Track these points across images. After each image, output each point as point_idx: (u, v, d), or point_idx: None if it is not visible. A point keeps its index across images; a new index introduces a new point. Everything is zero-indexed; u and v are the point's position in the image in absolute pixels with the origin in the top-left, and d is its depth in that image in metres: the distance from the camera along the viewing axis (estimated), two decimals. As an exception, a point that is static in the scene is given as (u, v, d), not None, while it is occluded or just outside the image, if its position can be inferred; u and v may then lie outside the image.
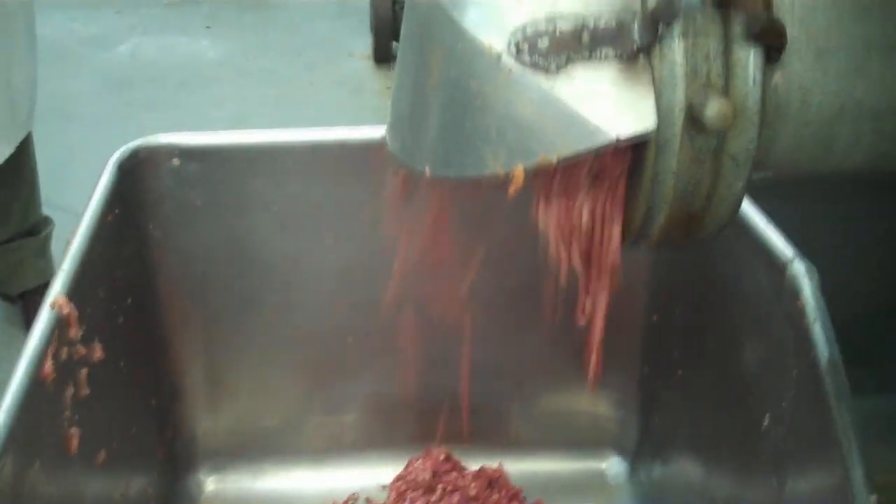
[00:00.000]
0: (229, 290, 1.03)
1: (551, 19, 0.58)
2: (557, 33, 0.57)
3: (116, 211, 0.89)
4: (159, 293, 1.01)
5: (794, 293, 0.73)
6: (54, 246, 1.64)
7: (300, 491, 1.12)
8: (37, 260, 1.82)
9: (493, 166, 0.60)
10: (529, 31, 0.58)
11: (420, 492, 1.00)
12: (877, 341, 1.11)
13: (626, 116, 0.57)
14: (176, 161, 0.95)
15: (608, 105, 0.57)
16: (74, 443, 0.78)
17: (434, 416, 1.11)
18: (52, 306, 0.76)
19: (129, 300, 0.94)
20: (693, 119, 0.57)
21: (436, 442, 1.11)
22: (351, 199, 0.98)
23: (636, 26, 0.57)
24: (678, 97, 0.56)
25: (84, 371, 0.81)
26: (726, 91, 0.57)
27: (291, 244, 1.00)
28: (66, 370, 0.77)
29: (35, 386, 0.71)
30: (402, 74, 0.68)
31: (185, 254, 1.00)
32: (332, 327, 1.05)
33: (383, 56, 1.76)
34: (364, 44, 1.84)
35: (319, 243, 1.00)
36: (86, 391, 0.81)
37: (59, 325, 0.76)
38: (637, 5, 0.58)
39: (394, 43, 1.78)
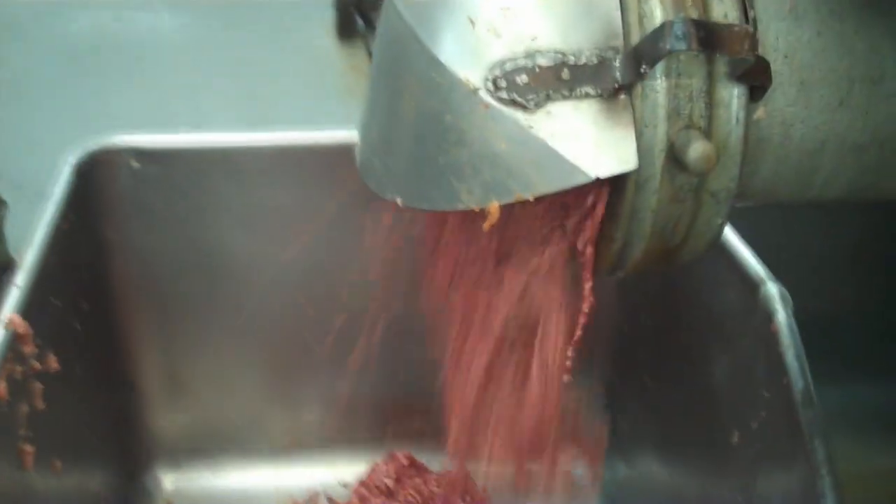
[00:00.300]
0: (188, 292, 1.00)
1: (530, 55, 0.56)
2: (536, 69, 0.56)
3: (72, 217, 0.86)
4: (116, 296, 0.98)
5: (767, 316, 0.73)
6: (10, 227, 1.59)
7: (260, 488, 1.11)
8: None
9: (467, 201, 0.58)
10: (508, 66, 0.56)
11: (382, 498, 0.99)
12: (840, 334, 1.11)
13: (607, 156, 0.55)
14: (135, 163, 0.92)
15: (588, 144, 0.55)
16: (30, 459, 0.76)
17: (398, 415, 1.10)
18: (7, 326, 0.73)
19: (85, 305, 0.91)
20: (674, 159, 0.55)
21: (399, 443, 1.10)
22: (316, 202, 0.96)
23: (618, 64, 0.55)
24: (659, 137, 0.55)
25: (39, 386, 0.78)
26: (709, 131, 0.56)
27: (254, 247, 0.98)
28: (20, 388, 0.74)
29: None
30: (373, 97, 0.65)
31: (143, 256, 0.97)
32: (294, 329, 1.04)
33: (347, 32, 1.72)
34: (327, 18, 1.80)
35: (282, 246, 0.98)
36: (41, 405, 0.79)
37: (13, 345, 0.73)
38: (619, 42, 0.56)
39: (358, 19, 1.74)
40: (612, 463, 1.08)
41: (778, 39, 0.58)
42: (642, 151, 0.55)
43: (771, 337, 0.71)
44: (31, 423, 0.77)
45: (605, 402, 1.08)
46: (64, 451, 0.86)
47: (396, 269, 1.00)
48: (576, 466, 1.13)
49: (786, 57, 0.59)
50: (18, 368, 0.74)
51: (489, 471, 1.09)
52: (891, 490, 1.04)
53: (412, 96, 0.60)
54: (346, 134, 0.92)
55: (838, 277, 1.11)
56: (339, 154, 0.93)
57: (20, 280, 0.76)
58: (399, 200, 0.62)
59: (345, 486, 1.09)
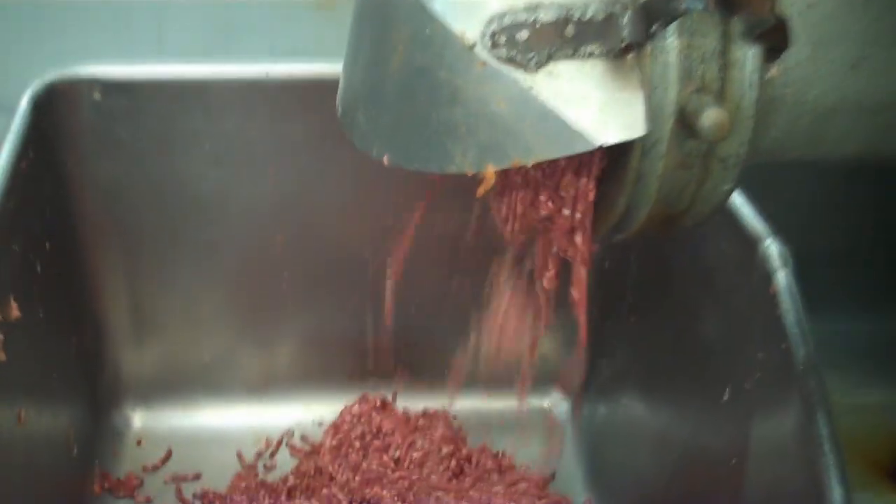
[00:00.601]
0: (155, 226, 0.96)
1: (532, 8, 0.51)
2: (538, 25, 0.51)
3: (31, 155, 0.81)
4: (80, 234, 0.94)
5: (765, 275, 0.70)
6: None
7: (233, 426, 1.08)
8: None
9: (461, 164, 0.54)
10: (507, 20, 0.51)
11: (357, 442, 0.97)
12: (829, 269, 1.09)
13: (613, 121, 0.51)
14: (97, 95, 0.86)
15: (592, 108, 0.51)
16: (-12, 416, 0.73)
17: (372, 352, 1.07)
18: (-37, 282, 0.69)
19: (47, 245, 0.87)
20: (684, 124, 0.51)
21: (375, 382, 1.07)
22: (287, 135, 0.91)
23: (626, 20, 0.51)
24: (669, 101, 0.51)
25: (0, 337, 0.74)
26: (721, 93, 0.52)
27: (224, 180, 0.94)
28: (-21, 345, 0.71)
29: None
30: (356, 45, 0.61)
31: (108, 192, 0.93)
32: (267, 264, 1.00)
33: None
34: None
35: (254, 179, 0.94)
36: (1, 357, 0.75)
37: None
38: (627, -6, 0.51)
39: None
40: (591, 403, 1.07)
41: (795, -7, 0.54)
42: (650, 114, 0.51)
43: (769, 298, 0.68)
44: (-7, 377, 0.73)
45: (588, 342, 1.06)
46: (28, 399, 0.83)
47: (372, 203, 0.96)
48: (555, 405, 1.11)
49: (801, 13, 0.55)
50: (-23, 325, 0.70)
51: (462, 406, 1.08)
52: (877, 422, 1.04)
53: (401, 48, 0.55)
54: (320, 67, 0.88)
55: (828, 213, 1.09)
56: (311, 86, 0.89)
57: (-24, 229, 0.72)
58: (385, 159, 0.58)
59: (320, 424, 1.07)
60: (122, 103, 0.88)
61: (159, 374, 1.07)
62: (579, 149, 0.52)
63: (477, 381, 1.08)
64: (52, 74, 0.86)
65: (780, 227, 0.74)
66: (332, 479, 0.94)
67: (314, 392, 1.08)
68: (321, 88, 0.84)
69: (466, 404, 1.09)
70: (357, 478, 0.91)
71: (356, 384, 1.08)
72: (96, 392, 1.04)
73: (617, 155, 0.54)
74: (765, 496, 0.72)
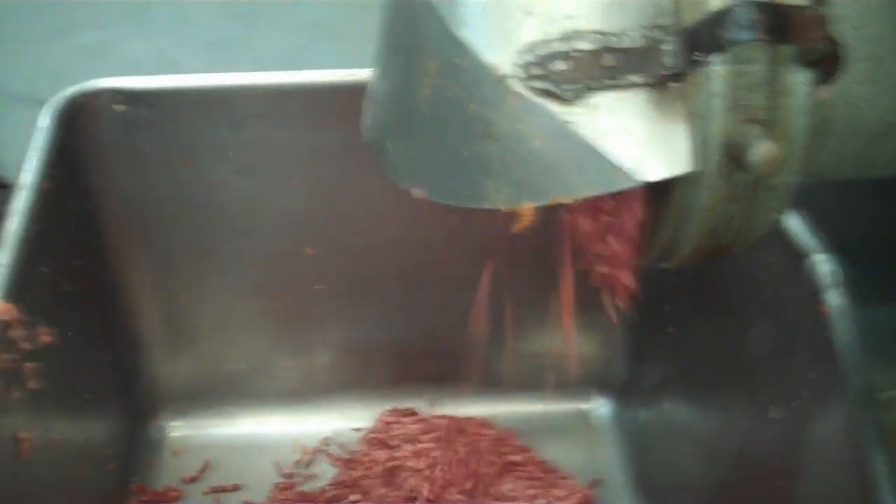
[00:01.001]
0: (184, 238, 0.94)
1: (568, 37, 0.48)
2: (575, 55, 0.48)
3: (54, 172, 0.79)
4: (109, 248, 0.92)
5: (815, 293, 0.67)
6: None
7: (269, 435, 1.07)
8: None
9: (495, 200, 0.52)
10: (541, 50, 0.48)
11: (393, 452, 0.94)
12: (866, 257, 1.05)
13: (656, 156, 0.49)
14: (120, 106, 0.84)
15: (635, 142, 0.49)
16: (26, 446, 0.71)
17: (412, 360, 1.05)
18: (-6, 315, 0.67)
19: (75, 262, 0.85)
20: (732, 156, 0.48)
21: (413, 389, 1.05)
22: (318, 143, 0.89)
23: (668, 48, 0.48)
24: (715, 133, 0.48)
25: (30, 366, 0.73)
26: (771, 123, 0.49)
27: (251, 190, 0.91)
28: (10, 376, 0.69)
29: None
30: (382, 70, 0.58)
31: (135, 204, 0.91)
32: (298, 273, 0.98)
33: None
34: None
35: (283, 189, 0.91)
36: (34, 385, 0.73)
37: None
38: (667, 20, 0.48)
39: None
40: (634, 409, 1.04)
41: (847, 7, 0.51)
42: (696, 148, 0.49)
43: (820, 317, 0.65)
44: (25, 407, 0.72)
45: (625, 343, 1.03)
46: (62, 420, 0.82)
47: (405, 211, 0.94)
48: (595, 408, 1.09)
49: (855, 29, 0.51)
50: (6, 357, 0.68)
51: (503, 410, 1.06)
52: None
53: (430, 78, 0.52)
54: (348, 73, 0.85)
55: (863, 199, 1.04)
56: (339, 93, 0.87)
57: (3, 258, 0.70)
58: (416, 192, 0.56)
59: (357, 431, 1.05)
60: (146, 114, 0.85)
61: (194, 384, 1.05)
62: (621, 186, 0.49)
63: (515, 386, 1.07)
64: (74, 87, 0.83)
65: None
66: (366, 493, 0.92)
67: (351, 399, 1.06)
68: (350, 95, 0.80)
69: (506, 409, 1.07)
70: (393, 493, 0.89)
71: (393, 391, 1.06)
72: (132, 405, 1.03)
73: (660, 187, 0.51)
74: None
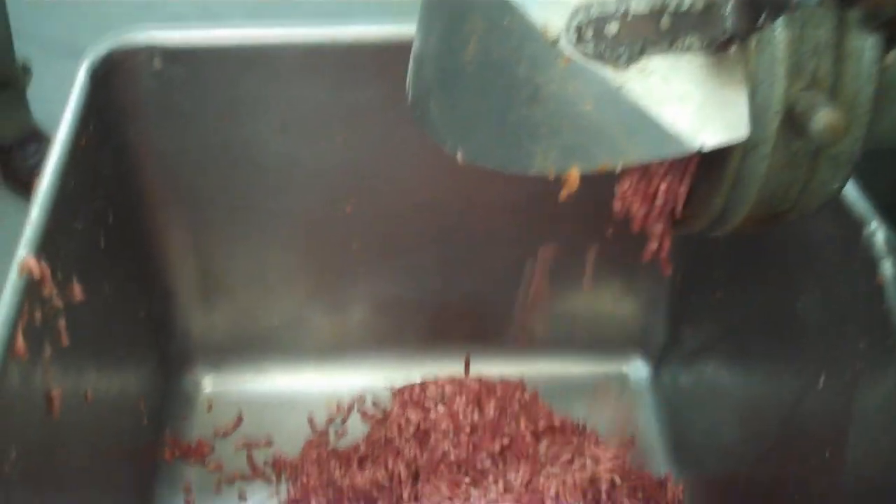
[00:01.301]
0: (221, 194, 0.93)
1: (622, -1, 0.46)
2: (629, 17, 0.46)
3: (90, 129, 0.78)
4: (143, 204, 0.92)
5: (870, 263, 0.64)
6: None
7: (304, 391, 1.06)
8: (11, 112, 1.67)
9: (542, 166, 0.50)
10: (594, 12, 0.46)
11: (426, 413, 0.93)
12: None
13: (712, 122, 0.47)
14: (158, 63, 0.83)
15: (690, 107, 0.47)
16: (57, 404, 0.71)
17: (449, 319, 1.04)
18: (21, 272, 0.66)
19: (111, 218, 0.85)
20: (792, 123, 0.46)
21: (449, 347, 1.04)
22: (358, 100, 0.87)
23: (729, 10, 0.46)
24: (776, 98, 0.46)
25: (62, 322, 0.72)
26: (835, 89, 0.46)
27: (291, 147, 0.90)
28: (41, 334, 0.68)
29: (5, 370, 0.62)
30: (426, 29, 0.56)
31: (170, 161, 0.89)
32: (336, 230, 0.96)
33: None
34: None
35: (321, 146, 0.90)
36: (66, 342, 0.73)
37: (30, 292, 0.66)
38: (730, -19, 0.46)
39: None
40: (673, 372, 1.02)
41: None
42: (754, 114, 0.46)
43: (875, 287, 0.63)
44: (56, 363, 0.71)
45: (668, 305, 1.01)
46: (96, 374, 0.81)
47: (443, 170, 0.92)
48: (633, 371, 1.07)
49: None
50: (38, 315, 0.67)
51: (539, 371, 1.05)
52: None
53: (476, 39, 0.51)
54: (389, 29, 0.83)
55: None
56: (380, 49, 0.85)
57: (34, 214, 0.69)
58: (460, 155, 0.54)
59: (391, 389, 1.04)
60: (183, 71, 0.84)
61: (229, 338, 1.05)
62: (675, 153, 0.47)
63: (551, 346, 1.05)
64: (109, 43, 0.82)
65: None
66: (398, 453, 0.91)
67: (385, 356, 1.05)
68: (391, 51, 0.79)
69: (541, 370, 1.06)
70: (425, 455, 0.88)
71: (427, 350, 1.05)
72: (166, 358, 1.03)
73: (714, 154, 0.49)
74: (865, 486, 0.68)
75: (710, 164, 0.51)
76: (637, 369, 1.07)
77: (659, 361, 1.05)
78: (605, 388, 1.06)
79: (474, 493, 0.83)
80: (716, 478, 0.92)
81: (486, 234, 0.97)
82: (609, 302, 1.03)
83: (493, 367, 1.04)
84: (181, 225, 0.95)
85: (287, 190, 0.93)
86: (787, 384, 0.78)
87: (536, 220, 0.95)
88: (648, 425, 1.02)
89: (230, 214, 0.95)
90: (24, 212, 0.69)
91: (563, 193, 0.50)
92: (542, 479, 0.82)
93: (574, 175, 0.49)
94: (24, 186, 1.61)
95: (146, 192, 0.91)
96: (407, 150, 0.89)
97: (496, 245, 0.98)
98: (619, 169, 0.48)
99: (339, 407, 1.04)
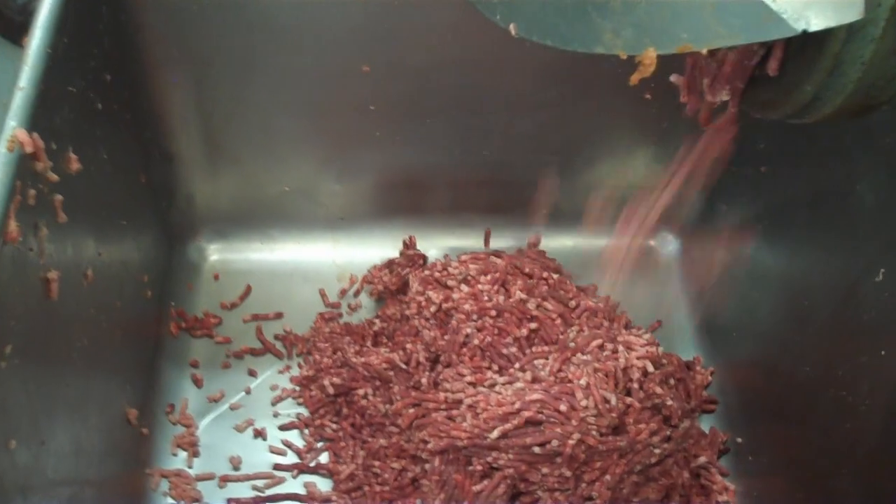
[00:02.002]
0: (226, 51, 0.85)
1: None
2: None
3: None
4: (142, 62, 0.84)
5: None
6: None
7: (315, 262, 1.01)
8: None
9: (612, 45, 0.43)
10: None
11: (441, 290, 0.88)
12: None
13: (819, 3, 0.39)
14: None
15: (795, -19, 0.39)
16: (54, 287, 0.65)
17: (463, 187, 0.98)
18: (11, 146, 0.59)
19: (107, 77, 0.77)
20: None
21: (468, 216, 0.99)
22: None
23: None
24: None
25: (58, 198, 0.66)
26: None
27: (303, 2, 0.82)
28: (36, 212, 0.62)
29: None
30: None
31: (172, 15, 0.81)
32: (351, 93, 0.89)
33: None
34: None
35: (338, 2, 0.82)
36: (63, 218, 0.67)
37: (22, 168, 0.60)
38: None
39: None
40: (705, 249, 0.97)
41: None
42: (868, -5, 0.40)
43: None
44: (52, 243, 0.65)
45: (705, 180, 0.95)
46: (95, 258, 0.75)
47: (467, 28, 0.85)
48: (663, 245, 1.02)
49: None
50: (32, 192, 0.61)
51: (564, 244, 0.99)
52: None
53: None
54: None
55: None
56: None
57: (24, 80, 0.62)
58: (513, 28, 0.47)
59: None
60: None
61: (235, 206, 0.99)
62: (773, 34, 0.40)
63: (575, 218, 1.00)
64: None
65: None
66: (417, 333, 0.86)
67: (401, 227, 1.00)
68: None
69: (565, 243, 1.01)
70: (446, 338, 0.83)
71: (447, 220, 1.00)
72: (169, 227, 0.97)
73: (810, 38, 0.42)
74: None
75: (804, 45, 0.44)
76: (666, 243, 1.02)
77: (690, 236, 1.00)
78: (634, 264, 1.00)
79: (499, 380, 0.78)
80: (749, 364, 0.88)
81: (514, 97, 0.90)
82: (639, 171, 0.97)
83: (515, 241, 0.98)
84: (184, 85, 0.88)
85: (299, 47, 0.85)
86: (840, 273, 0.72)
87: (570, 80, 0.88)
88: (676, 304, 0.98)
89: (237, 73, 0.87)
90: (11, 57, 0.62)
91: (635, 77, 0.44)
92: (572, 369, 0.77)
93: (651, 57, 0.42)
94: (11, 28, 1.52)
95: (146, 48, 0.83)
96: (429, 5, 0.81)
97: (524, 110, 0.91)
98: (704, 51, 0.41)
99: (352, 279, 0.99)
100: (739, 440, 0.86)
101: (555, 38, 0.45)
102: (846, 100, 0.44)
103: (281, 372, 0.93)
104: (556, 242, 1.00)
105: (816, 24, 0.39)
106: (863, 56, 0.42)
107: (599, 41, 0.43)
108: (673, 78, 0.54)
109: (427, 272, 0.90)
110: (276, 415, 0.90)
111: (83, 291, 0.73)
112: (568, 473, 0.75)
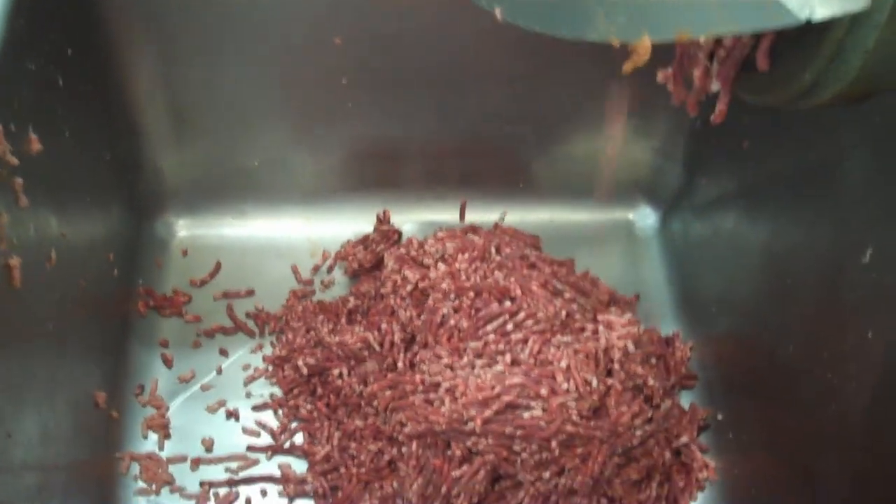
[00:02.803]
0: (193, 22, 0.82)
1: None
2: None
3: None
4: (105, 33, 0.81)
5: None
6: None
7: (285, 237, 0.99)
8: None
9: (605, 32, 0.41)
10: None
11: (417, 269, 0.85)
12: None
13: (826, -12, 0.38)
14: None
15: (798, -31, 0.37)
16: (17, 273, 0.63)
17: (438, 160, 0.96)
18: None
19: (69, 52, 0.75)
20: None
21: (445, 188, 0.97)
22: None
23: None
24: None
25: (19, 181, 0.63)
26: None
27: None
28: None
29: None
30: None
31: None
32: (323, 64, 0.87)
33: None
34: None
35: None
36: (24, 202, 0.64)
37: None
38: None
39: None
40: (684, 222, 0.96)
41: None
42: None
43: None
44: (14, 229, 0.63)
45: (684, 151, 0.93)
46: (59, 240, 0.73)
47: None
48: (640, 218, 1.00)
49: None
50: (-10, 180, 0.58)
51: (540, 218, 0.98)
52: None
53: None
54: None
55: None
56: None
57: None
58: (498, 13, 0.45)
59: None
60: None
61: (205, 180, 0.96)
62: (778, 23, 0.38)
63: (553, 191, 0.98)
64: None
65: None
66: (392, 312, 0.84)
67: (375, 201, 0.98)
68: None
69: (541, 216, 0.99)
70: (422, 318, 0.81)
71: (421, 193, 0.98)
72: (136, 202, 0.95)
73: (810, 24, 0.40)
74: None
75: (803, 32, 0.42)
76: (644, 217, 1.00)
77: (670, 210, 0.98)
78: (612, 238, 0.99)
79: (478, 363, 0.76)
80: (729, 340, 0.87)
81: (489, 68, 0.88)
82: (619, 143, 0.95)
83: (491, 215, 0.96)
84: (148, 56, 0.85)
85: (269, 18, 0.83)
86: (825, 252, 0.71)
87: (545, 51, 0.86)
88: (655, 278, 0.96)
89: (204, 44, 0.85)
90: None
91: (628, 66, 0.42)
92: (552, 350, 0.75)
93: (645, 45, 0.40)
94: None
95: (108, 19, 0.80)
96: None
97: (499, 81, 0.89)
98: (702, 40, 0.39)
99: (325, 254, 0.97)
100: (720, 416, 0.85)
101: (543, 22, 0.43)
102: (848, 86, 0.43)
103: (253, 351, 0.91)
104: (533, 216, 0.98)
105: (822, 13, 0.37)
106: (867, 44, 0.40)
107: (591, 26, 0.41)
108: (660, 77, 0.52)
109: (403, 250, 0.87)
110: (248, 395, 0.88)
111: (47, 275, 0.71)
112: (549, 458, 0.74)
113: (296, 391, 0.87)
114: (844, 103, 0.45)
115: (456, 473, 0.75)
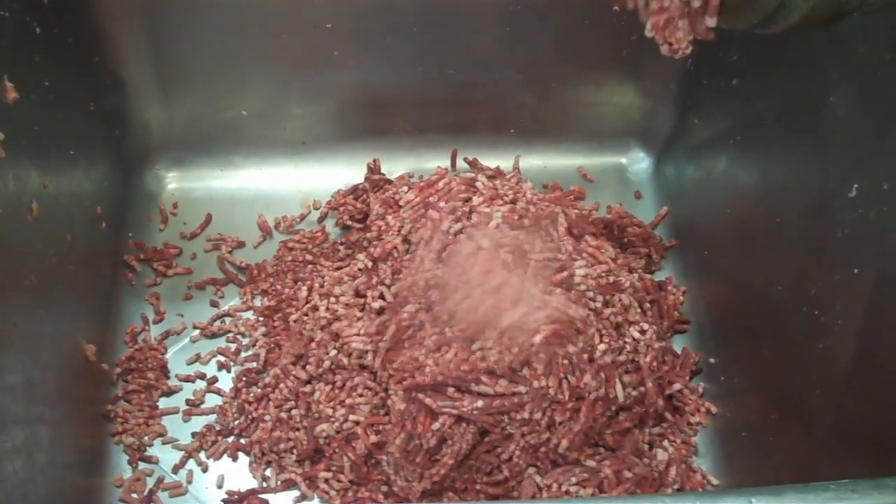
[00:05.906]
0: (176, -30, 0.81)
1: None
2: None
3: None
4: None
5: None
6: None
7: (275, 188, 0.98)
8: None
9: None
10: None
11: (413, 218, 0.84)
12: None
13: None
14: None
15: None
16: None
17: (427, 107, 0.95)
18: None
19: (46, 1, 0.73)
20: None
21: (432, 136, 0.96)
22: None
23: None
24: None
25: (-3, 137, 0.63)
26: None
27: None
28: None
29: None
30: None
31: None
32: (310, 11, 0.86)
33: None
34: None
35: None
36: (1, 153, 0.64)
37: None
38: None
39: None
40: (677, 165, 0.94)
41: None
42: None
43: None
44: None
45: (677, 94, 0.92)
46: (40, 191, 0.73)
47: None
48: (633, 162, 0.99)
49: None
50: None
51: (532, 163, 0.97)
52: None
53: None
54: None
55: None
56: None
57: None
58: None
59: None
60: None
61: (192, 131, 0.96)
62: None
63: (544, 135, 0.97)
64: None
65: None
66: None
67: (365, 150, 0.96)
68: None
69: (533, 162, 0.98)
70: (408, 263, 0.79)
71: (412, 142, 0.97)
72: (123, 155, 0.94)
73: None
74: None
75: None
76: (637, 160, 0.99)
77: (661, 153, 0.97)
78: (604, 182, 0.98)
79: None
80: (720, 283, 0.86)
81: (478, 11, 0.86)
82: (610, 86, 0.94)
83: (485, 161, 0.95)
84: (130, 5, 0.84)
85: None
86: (813, 188, 0.71)
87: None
88: (648, 221, 0.95)
89: (187, -2, 0.83)
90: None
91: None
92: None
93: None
94: None
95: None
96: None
97: (489, 25, 0.88)
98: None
99: (315, 205, 0.96)
100: (712, 360, 0.85)
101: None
102: (813, 7, 0.42)
103: (245, 302, 0.91)
104: (525, 162, 0.97)
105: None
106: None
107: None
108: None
109: (388, 195, 0.87)
110: (238, 350, 0.88)
111: (28, 227, 0.71)
112: (538, 415, 0.73)
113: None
114: (815, 25, 0.45)
115: (435, 426, 0.74)
